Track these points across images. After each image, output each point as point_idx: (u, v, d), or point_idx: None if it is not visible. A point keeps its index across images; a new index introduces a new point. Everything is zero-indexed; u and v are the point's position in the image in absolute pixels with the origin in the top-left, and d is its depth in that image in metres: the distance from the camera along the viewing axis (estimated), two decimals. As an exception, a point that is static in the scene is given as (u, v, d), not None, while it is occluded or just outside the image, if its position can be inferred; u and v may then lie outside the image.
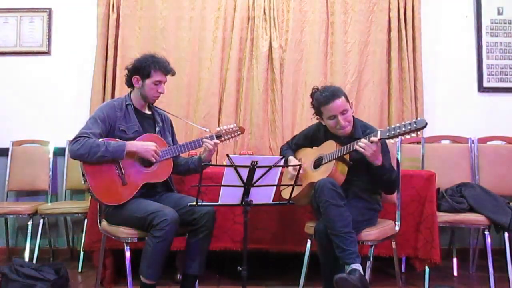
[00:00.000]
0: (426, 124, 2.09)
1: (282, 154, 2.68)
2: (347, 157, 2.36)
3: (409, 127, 2.11)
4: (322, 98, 2.39)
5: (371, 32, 3.89)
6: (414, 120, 2.14)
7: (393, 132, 2.16)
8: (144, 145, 2.40)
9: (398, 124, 2.17)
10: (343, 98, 2.38)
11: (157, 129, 2.59)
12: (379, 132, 2.23)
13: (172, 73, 2.58)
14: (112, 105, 2.50)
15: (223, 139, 2.58)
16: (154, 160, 2.40)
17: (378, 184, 2.41)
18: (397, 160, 2.59)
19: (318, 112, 2.47)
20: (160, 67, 2.50)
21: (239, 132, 2.63)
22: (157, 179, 2.46)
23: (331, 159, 2.37)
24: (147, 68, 2.48)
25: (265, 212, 2.82)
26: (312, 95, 2.49)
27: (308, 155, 2.59)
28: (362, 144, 2.23)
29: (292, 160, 2.59)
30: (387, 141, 2.33)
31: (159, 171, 2.45)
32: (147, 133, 2.50)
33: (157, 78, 2.50)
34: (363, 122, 2.53)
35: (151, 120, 2.61)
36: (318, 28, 3.86)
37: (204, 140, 2.52)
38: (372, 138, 2.22)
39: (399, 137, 2.17)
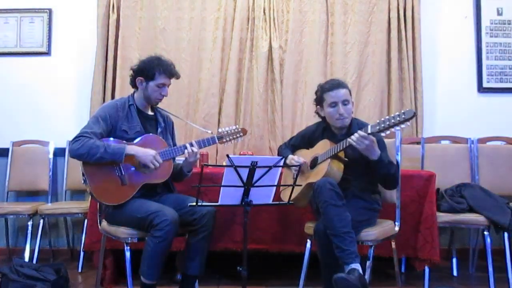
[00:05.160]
0: (415, 114, 2.13)
1: (280, 154, 2.68)
2: (342, 154, 2.36)
3: (398, 118, 2.13)
4: (327, 85, 2.47)
5: (371, 32, 3.89)
6: (402, 111, 2.15)
7: (382, 125, 2.18)
8: (144, 151, 2.37)
9: (387, 117, 2.18)
10: (347, 90, 2.45)
11: (159, 130, 2.58)
12: (369, 126, 2.24)
13: (177, 76, 2.55)
14: (114, 105, 2.49)
15: (224, 140, 2.56)
16: (153, 167, 2.36)
17: (377, 179, 2.41)
18: (397, 160, 2.59)
19: (320, 100, 2.49)
20: (165, 70, 2.48)
21: (241, 134, 2.60)
22: (157, 180, 2.45)
23: (325, 158, 2.37)
24: (151, 70, 2.46)
25: (265, 212, 2.82)
26: (318, 88, 2.54)
27: (305, 156, 2.58)
28: (354, 138, 2.25)
29: (294, 158, 2.56)
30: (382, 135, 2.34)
31: (159, 172, 2.44)
32: (148, 134, 2.50)
33: (161, 81, 2.48)
34: (360, 121, 2.55)
35: (153, 121, 2.60)
36: (318, 29, 3.86)
37: (185, 151, 2.43)
38: (361, 133, 2.23)
39: (390, 129, 2.17)
